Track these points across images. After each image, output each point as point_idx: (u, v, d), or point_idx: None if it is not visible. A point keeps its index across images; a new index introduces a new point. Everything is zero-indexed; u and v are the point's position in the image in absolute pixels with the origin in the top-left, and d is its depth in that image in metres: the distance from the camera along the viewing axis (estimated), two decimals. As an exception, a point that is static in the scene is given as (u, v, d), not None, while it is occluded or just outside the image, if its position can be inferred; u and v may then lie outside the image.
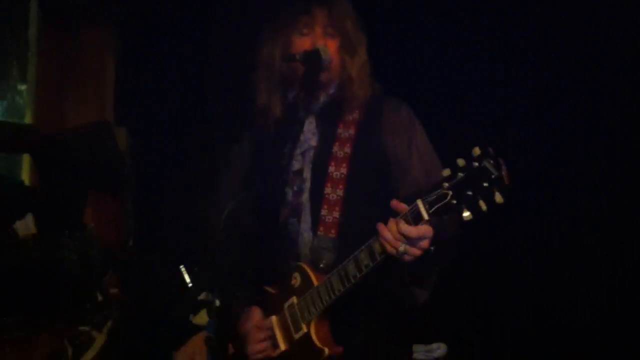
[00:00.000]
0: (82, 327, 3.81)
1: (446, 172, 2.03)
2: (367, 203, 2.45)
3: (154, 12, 4.49)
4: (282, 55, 2.59)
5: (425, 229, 2.13)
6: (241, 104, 2.86)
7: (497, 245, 3.70)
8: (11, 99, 4.53)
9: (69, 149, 4.30)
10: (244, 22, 4.33)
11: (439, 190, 2.04)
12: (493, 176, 1.95)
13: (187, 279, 3.36)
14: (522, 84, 3.75)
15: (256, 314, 2.54)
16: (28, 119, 4.51)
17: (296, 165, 2.54)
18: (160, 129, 4.51)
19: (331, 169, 2.49)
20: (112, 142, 4.30)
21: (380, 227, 2.18)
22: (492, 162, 1.96)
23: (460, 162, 2.01)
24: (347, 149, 2.50)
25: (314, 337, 2.37)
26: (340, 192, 2.46)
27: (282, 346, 2.47)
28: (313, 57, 2.47)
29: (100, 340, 3.75)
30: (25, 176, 4.44)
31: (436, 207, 2.06)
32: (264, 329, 2.50)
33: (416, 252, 2.15)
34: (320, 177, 2.49)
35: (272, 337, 2.49)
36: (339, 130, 2.54)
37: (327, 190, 2.47)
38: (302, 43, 2.54)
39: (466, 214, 2.00)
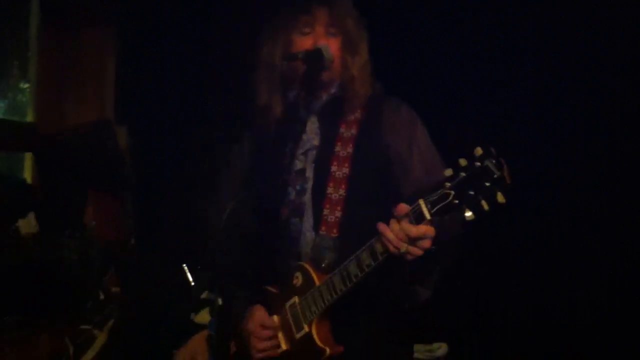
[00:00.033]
0: (83, 326, 3.82)
1: (448, 172, 2.04)
2: (369, 203, 2.45)
3: (154, 12, 4.50)
4: (283, 55, 2.58)
5: (426, 229, 2.13)
6: (241, 104, 2.86)
7: (497, 245, 3.70)
8: (12, 97, 4.53)
9: (69, 149, 4.31)
10: (244, 22, 4.34)
11: (441, 190, 2.05)
12: (495, 176, 1.96)
13: (190, 277, 3.36)
14: (522, 84, 3.75)
15: (260, 312, 2.54)
16: (29, 118, 4.52)
17: (298, 165, 2.53)
18: (161, 129, 4.51)
19: (333, 168, 2.48)
20: (112, 142, 4.31)
21: (382, 227, 2.18)
22: (494, 161, 1.96)
23: (462, 162, 2.01)
24: (349, 149, 2.50)
25: (315, 336, 2.37)
26: (342, 192, 2.46)
27: (284, 346, 2.47)
28: (315, 56, 2.47)
29: (101, 339, 3.75)
30: (27, 175, 4.44)
31: (438, 207, 2.06)
32: (269, 328, 2.50)
33: (418, 251, 2.15)
34: (322, 176, 2.49)
35: (274, 337, 2.49)
36: (341, 130, 2.54)
37: (330, 189, 2.47)
38: (304, 42, 2.53)
39: (468, 213, 2.00)
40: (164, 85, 4.51)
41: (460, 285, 3.62)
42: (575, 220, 3.62)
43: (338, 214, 2.44)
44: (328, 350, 2.35)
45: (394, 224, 2.15)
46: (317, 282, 2.37)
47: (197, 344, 2.93)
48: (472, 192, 1.99)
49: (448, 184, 2.03)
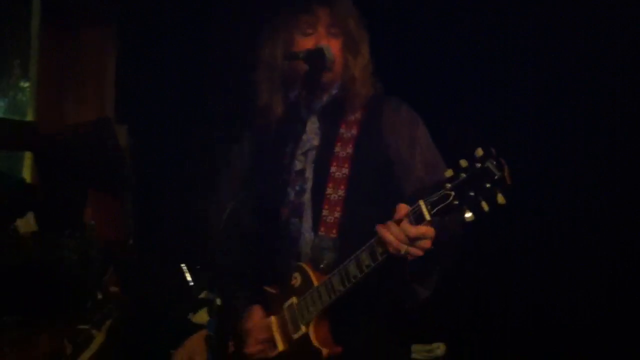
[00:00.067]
0: (81, 326, 3.81)
1: (449, 172, 2.04)
2: (368, 203, 2.45)
3: (154, 11, 4.50)
4: (284, 55, 2.58)
5: (426, 229, 2.13)
6: (241, 104, 2.86)
7: (497, 245, 3.69)
8: (13, 96, 4.54)
9: (69, 148, 4.31)
10: (244, 22, 4.33)
11: (441, 191, 2.05)
12: (495, 177, 1.96)
13: (189, 277, 3.36)
14: (522, 84, 3.75)
15: (257, 313, 2.54)
16: (29, 117, 4.52)
17: (298, 165, 2.53)
18: (161, 129, 4.51)
19: (333, 169, 2.48)
20: (112, 141, 4.31)
21: (381, 230, 2.17)
22: (494, 162, 1.96)
23: (463, 163, 2.01)
24: (349, 149, 2.50)
25: (312, 337, 2.37)
26: (341, 192, 2.46)
27: (281, 346, 2.46)
28: (316, 56, 2.47)
29: (99, 338, 3.75)
30: (27, 174, 4.44)
31: (438, 207, 2.07)
32: (265, 329, 2.50)
33: (418, 252, 2.15)
34: (322, 177, 2.49)
35: (271, 337, 2.49)
36: (342, 130, 2.54)
37: (329, 190, 2.47)
38: (305, 43, 2.53)
39: (468, 214, 2.00)
40: (164, 85, 4.51)
41: (459, 285, 3.62)
42: (575, 220, 3.61)
43: (337, 214, 2.44)
44: (325, 351, 2.35)
45: (393, 225, 2.15)
46: (316, 283, 2.37)
47: (195, 343, 2.93)
48: (472, 193, 1.99)
49: (448, 185, 2.03)
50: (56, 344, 3.85)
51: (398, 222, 2.15)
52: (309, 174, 2.52)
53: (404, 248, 2.14)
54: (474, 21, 3.86)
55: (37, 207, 4.00)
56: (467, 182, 2.00)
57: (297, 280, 2.43)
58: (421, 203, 2.09)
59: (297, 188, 2.51)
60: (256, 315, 2.53)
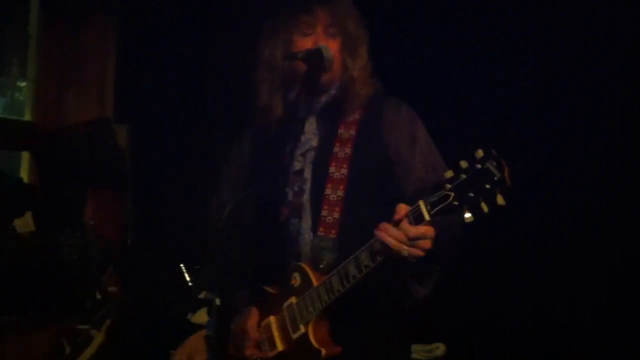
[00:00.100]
0: (81, 326, 3.82)
1: (449, 173, 2.03)
2: (368, 203, 2.45)
3: (154, 11, 4.50)
4: (283, 55, 2.58)
5: (426, 229, 2.12)
6: (241, 104, 2.86)
7: (497, 245, 3.69)
8: (11, 95, 4.54)
9: (68, 148, 4.31)
10: (244, 22, 4.34)
11: (441, 192, 2.05)
12: (495, 178, 1.96)
13: (187, 277, 3.36)
14: (522, 84, 3.75)
15: (254, 314, 2.54)
16: (28, 116, 4.52)
17: (297, 166, 2.53)
18: (161, 129, 4.51)
19: (332, 169, 2.48)
20: (112, 141, 4.31)
21: (381, 235, 2.16)
22: (494, 164, 1.96)
23: (463, 164, 2.01)
24: (348, 150, 2.50)
25: (311, 337, 2.37)
26: (340, 193, 2.46)
27: (280, 346, 2.46)
28: (315, 56, 2.47)
29: (99, 338, 3.75)
30: (25, 174, 4.44)
31: (438, 208, 2.06)
32: (264, 329, 2.50)
33: (419, 252, 2.15)
34: (320, 177, 2.49)
35: (270, 337, 2.49)
36: (340, 131, 2.54)
37: (328, 190, 2.47)
38: (304, 43, 2.53)
39: (467, 215, 2.00)
40: (164, 85, 4.52)
41: (459, 285, 3.61)
42: (575, 220, 3.61)
43: (336, 214, 2.44)
44: (324, 351, 2.34)
45: (390, 227, 2.15)
46: (315, 283, 2.37)
47: (195, 344, 2.93)
48: (472, 194, 1.99)
49: (448, 186, 2.03)
50: (55, 343, 3.85)
51: (397, 223, 2.15)
52: (307, 174, 2.52)
53: (404, 249, 2.13)
54: (474, 21, 3.86)
55: (36, 207, 4.00)
56: (467, 183, 2.00)
57: (296, 280, 2.43)
58: (421, 203, 2.09)
59: (296, 188, 2.51)
60: (253, 316, 2.53)
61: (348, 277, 2.26)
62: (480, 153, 1.99)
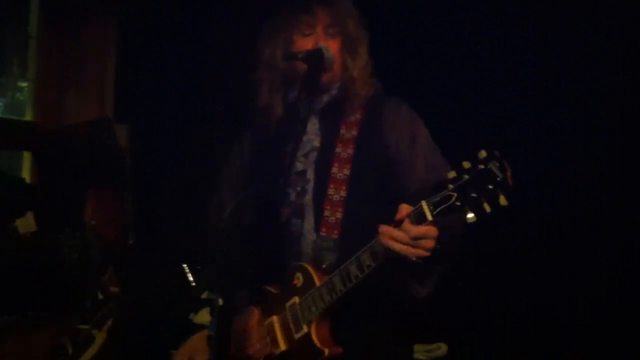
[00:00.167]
0: (82, 326, 3.81)
1: (452, 174, 2.03)
2: (370, 203, 2.45)
3: (154, 11, 4.50)
4: (283, 55, 2.58)
5: (428, 228, 2.12)
6: (241, 104, 2.86)
7: (497, 245, 3.69)
8: (11, 96, 4.54)
9: (69, 148, 4.31)
10: (244, 22, 4.34)
11: (443, 192, 2.05)
12: (498, 179, 1.96)
13: (190, 277, 3.35)
14: (522, 84, 3.75)
15: (255, 313, 2.54)
16: (28, 117, 4.52)
17: (299, 166, 2.54)
18: (161, 128, 4.51)
19: (334, 169, 2.49)
20: (112, 141, 4.30)
21: (388, 242, 2.16)
22: (497, 164, 1.96)
23: (466, 164, 2.01)
24: (350, 150, 2.50)
25: (314, 337, 2.37)
26: (342, 193, 2.46)
27: (282, 346, 2.46)
28: (315, 56, 2.47)
29: (100, 338, 3.75)
30: (26, 174, 4.44)
31: (440, 208, 2.06)
32: (263, 329, 2.50)
33: (423, 252, 2.15)
34: (323, 177, 2.50)
35: (273, 337, 2.48)
36: (342, 131, 2.54)
37: (330, 191, 2.47)
38: (304, 43, 2.54)
39: (470, 215, 2.00)
40: (164, 85, 4.51)
41: (460, 285, 3.61)
42: (575, 220, 3.61)
43: (339, 215, 2.45)
44: (327, 351, 2.35)
45: (394, 230, 2.15)
46: (318, 283, 2.37)
47: (196, 343, 2.92)
48: (474, 195, 1.99)
49: (451, 186, 2.03)
50: (56, 343, 3.85)
51: (398, 223, 2.15)
52: (310, 174, 2.52)
53: (410, 251, 2.13)
54: (474, 21, 3.86)
55: (36, 207, 4.00)
56: (470, 184, 2.00)
57: (299, 280, 2.44)
58: (423, 203, 2.09)
59: (299, 189, 2.52)
60: (254, 316, 2.53)
61: (350, 277, 2.26)
62: (483, 153, 1.99)
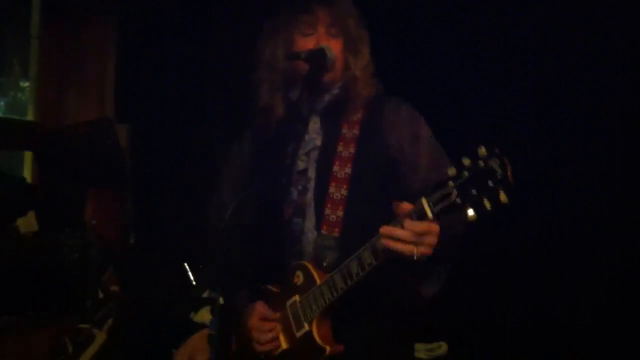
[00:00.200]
0: (82, 325, 3.82)
1: (452, 171, 2.02)
2: (371, 202, 2.45)
3: (154, 11, 4.50)
4: (284, 55, 2.58)
5: (431, 224, 2.12)
6: (241, 104, 2.86)
7: (498, 245, 3.70)
8: (13, 96, 4.54)
9: (69, 147, 4.31)
10: (244, 22, 4.34)
11: (444, 189, 2.04)
12: (498, 176, 1.95)
13: (191, 276, 3.36)
14: (522, 84, 3.75)
15: (261, 306, 2.53)
16: (30, 116, 4.52)
17: (301, 165, 2.54)
18: (161, 128, 4.52)
19: (335, 168, 2.49)
20: (112, 141, 4.31)
21: (388, 243, 2.16)
22: (497, 161, 1.96)
23: (466, 161, 2.00)
24: (352, 149, 2.50)
25: (315, 335, 2.37)
26: (344, 192, 2.46)
27: (284, 344, 2.46)
28: (318, 56, 2.47)
29: (100, 338, 3.75)
30: (27, 173, 4.44)
31: (440, 205, 2.06)
32: (270, 320, 2.49)
33: (427, 250, 2.15)
34: (324, 176, 2.50)
35: (275, 335, 2.48)
36: (344, 130, 2.54)
37: (331, 189, 2.47)
38: (305, 43, 2.53)
39: (470, 213, 2.00)
40: (164, 85, 4.52)
41: (460, 285, 3.61)
42: (575, 220, 3.62)
43: (340, 213, 2.45)
44: (328, 348, 2.34)
45: (396, 229, 2.14)
46: (318, 281, 2.37)
47: (197, 343, 2.93)
48: (475, 192, 1.98)
49: (451, 183, 2.02)
50: (56, 342, 3.85)
51: (398, 219, 2.14)
52: (311, 173, 2.52)
53: (415, 250, 2.13)
54: (474, 21, 3.87)
55: (37, 207, 4.00)
56: (470, 181, 1.99)
57: (299, 278, 2.44)
58: (423, 201, 2.08)
59: (300, 187, 2.52)
60: (258, 310, 2.52)
61: (351, 275, 2.26)
62: (483, 150, 1.98)
